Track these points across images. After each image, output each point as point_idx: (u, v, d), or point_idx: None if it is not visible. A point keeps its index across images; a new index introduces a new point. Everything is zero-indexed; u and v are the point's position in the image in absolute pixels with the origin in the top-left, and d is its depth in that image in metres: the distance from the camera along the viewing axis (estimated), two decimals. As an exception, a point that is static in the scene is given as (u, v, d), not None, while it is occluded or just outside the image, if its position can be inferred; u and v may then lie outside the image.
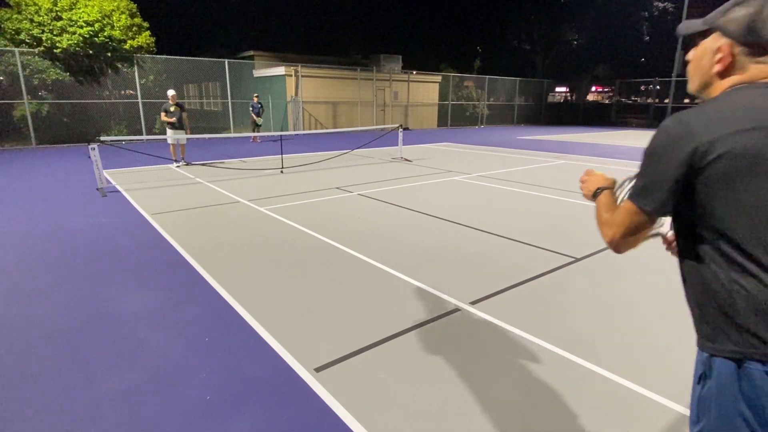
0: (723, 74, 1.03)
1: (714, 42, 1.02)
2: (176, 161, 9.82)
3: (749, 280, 0.93)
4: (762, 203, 0.91)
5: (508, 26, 31.88)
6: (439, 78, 24.08)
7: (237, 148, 13.25)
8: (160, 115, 9.80)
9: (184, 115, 9.72)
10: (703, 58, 1.05)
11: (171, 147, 9.80)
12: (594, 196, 1.26)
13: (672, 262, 3.93)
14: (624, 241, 1.10)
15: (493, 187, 7.56)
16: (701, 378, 1.04)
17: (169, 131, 9.55)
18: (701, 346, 1.04)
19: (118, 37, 13.90)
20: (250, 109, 14.88)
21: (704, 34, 1.05)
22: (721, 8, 1.02)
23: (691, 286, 1.08)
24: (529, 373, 2.44)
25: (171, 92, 9.59)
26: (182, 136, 9.69)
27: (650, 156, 1.02)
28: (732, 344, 0.96)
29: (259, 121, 15.00)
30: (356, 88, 20.80)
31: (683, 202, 1.00)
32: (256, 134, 14.60)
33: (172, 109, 9.45)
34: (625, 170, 9.65)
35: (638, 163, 1.06)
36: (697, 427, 1.06)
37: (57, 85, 13.74)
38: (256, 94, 15.24)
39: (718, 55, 1.01)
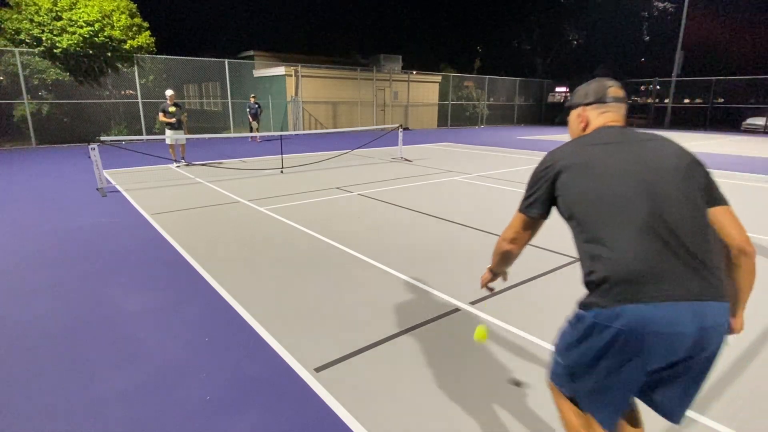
0: (585, 129, 1.55)
1: (575, 112, 1.60)
2: (176, 161, 9.82)
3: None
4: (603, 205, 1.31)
5: (508, 26, 31.90)
6: (439, 78, 24.08)
7: (237, 148, 13.25)
8: (158, 115, 9.76)
9: (183, 115, 9.71)
10: (573, 123, 1.62)
11: (170, 147, 9.80)
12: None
13: (672, 262, 3.82)
14: (516, 248, 1.64)
15: (493, 187, 7.56)
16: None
17: (168, 131, 9.54)
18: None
19: (118, 37, 13.91)
20: (247, 110, 14.65)
21: (570, 109, 1.63)
22: (572, 95, 1.63)
23: None
24: (529, 373, 2.44)
25: (169, 92, 9.54)
26: (181, 136, 9.68)
27: (532, 179, 1.53)
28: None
29: (254, 125, 14.73)
30: (356, 88, 20.80)
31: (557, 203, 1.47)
32: (255, 134, 14.45)
33: (171, 109, 9.42)
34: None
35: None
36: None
37: (57, 85, 13.74)
38: (253, 95, 14.95)
39: (580, 118, 1.58)
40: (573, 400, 1.47)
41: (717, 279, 1.25)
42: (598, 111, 1.52)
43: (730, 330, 1.38)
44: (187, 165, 9.81)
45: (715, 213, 1.35)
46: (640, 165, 1.31)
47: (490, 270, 1.78)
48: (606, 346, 1.24)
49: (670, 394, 1.32)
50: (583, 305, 1.32)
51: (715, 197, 1.36)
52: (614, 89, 1.52)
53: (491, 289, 1.88)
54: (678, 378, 1.29)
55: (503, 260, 1.68)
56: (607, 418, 1.35)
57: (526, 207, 1.54)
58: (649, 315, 1.18)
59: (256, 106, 14.68)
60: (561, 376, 1.46)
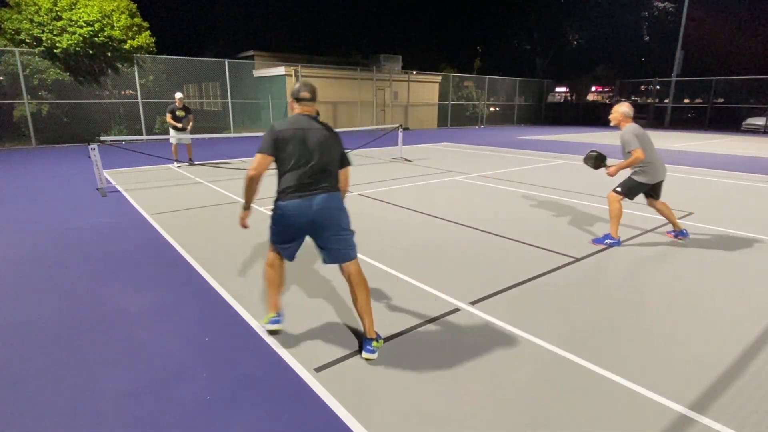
0: (294, 109, 2.64)
1: (290, 102, 2.65)
2: (177, 161, 9.73)
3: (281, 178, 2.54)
4: (287, 155, 2.49)
5: (508, 26, 31.89)
6: (439, 78, 24.08)
7: (237, 148, 13.25)
8: (166, 116, 9.56)
9: (191, 117, 9.60)
10: (289, 107, 2.67)
11: (173, 147, 9.68)
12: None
13: (672, 262, 3.93)
14: (257, 173, 2.51)
15: (493, 187, 7.56)
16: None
17: (172, 131, 9.49)
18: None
19: (118, 37, 13.89)
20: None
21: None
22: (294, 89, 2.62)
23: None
24: (528, 373, 2.44)
25: (179, 95, 9.37)
26: (186, 136, 9.61)
27: (264, 137, 2.51)
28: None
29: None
30: (356, 88, 20.81)
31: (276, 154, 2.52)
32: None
33: (180, 113, 9.34)
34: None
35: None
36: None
37: (57, 85, 13.73)
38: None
39: (291, 106, 2.65)
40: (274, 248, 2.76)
41: (335, 186, 2.63)
42: (298, 104, 2.63)
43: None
44: (192, 164, 9.77)
45: (342, 170, 2.70)
46: (313, 138, 2.53)
47: (245, 208, 2.73)
48: (278, 218, 2.59)
49: (322, 245, 2.62)
50: (276, 201, 2.57)
51: (344, 162, 2.69)
52: (304, 93, 2.61)
53: (246, 226, 2.82)
54: (319, 238, 2.59)
55: (250, 188, 2.58)
56: (288, 256, 2.73)
57: (264, 149, 2.51)
58: (290, 205, 2.50)
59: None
60: (271, 237, 2.73)
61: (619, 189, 4.58)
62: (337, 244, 2.58)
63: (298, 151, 2.49)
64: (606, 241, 4.60)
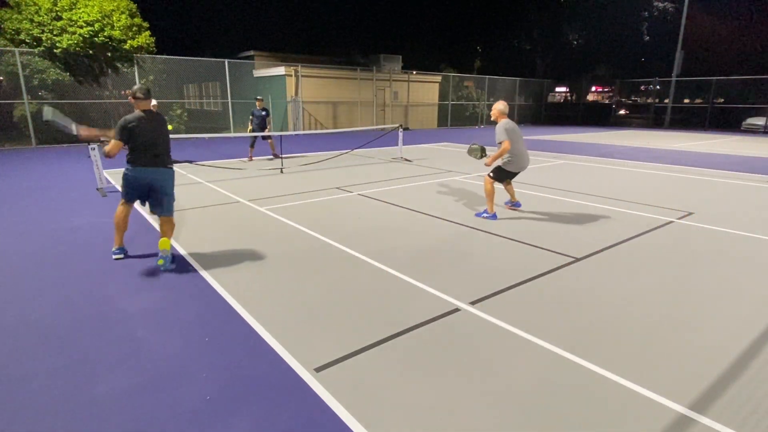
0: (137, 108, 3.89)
1: (131, 99, 3.89)
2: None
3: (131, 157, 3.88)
4: (140, 138, 3.79)
5: (508, 26, 31.88)
6: (439, 78, 24.08)
7: (237, 148, 13.25)
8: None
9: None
10: (134, 104, 3.89)
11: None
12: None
13: (672, 262, 3.92)
14: (112, 154, 3.67)
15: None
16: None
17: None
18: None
19: (118, 37, 13.88)
20: (250, 118, 10.60)
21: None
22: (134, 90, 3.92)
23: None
24: (528, 373, 2.44)
25: (153, 102, 9.33)
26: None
27: (118, 127, 3.73)
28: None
29: (262, 131, 10.32)
30: (356, 88, 20.80)
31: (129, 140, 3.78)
32: (270, 149, 10.98)
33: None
34: (626, 170, 9.65)
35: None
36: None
37: (57, 85, 13.73)
38: (259, 97, 10.74)
39: (135, 103, 3.85)
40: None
41: (167, 161, 3.97)
42: (143, 101, 3.80)
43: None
44: (191, 163, 9.79)
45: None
46: (155, 126, 3.86)
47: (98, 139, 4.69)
48: (130, 180, 3.89)
49: (153, 203, 3.99)
50: (127, 164, 3.83)
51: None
52: (140, 91, 3.77)
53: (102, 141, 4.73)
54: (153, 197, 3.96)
55: (111, 152, 3.68)
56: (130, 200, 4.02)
57: (119, 137, 3.69)
58: (139, 171, 3.85)
59: (264, 113, 10.58)
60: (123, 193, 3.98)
61: (491, 174, 5.61)
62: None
63: (150, 135, 3.90)
64: (483, 215, 5.60)
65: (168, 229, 3.98)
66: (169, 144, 4.00)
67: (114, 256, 4.10)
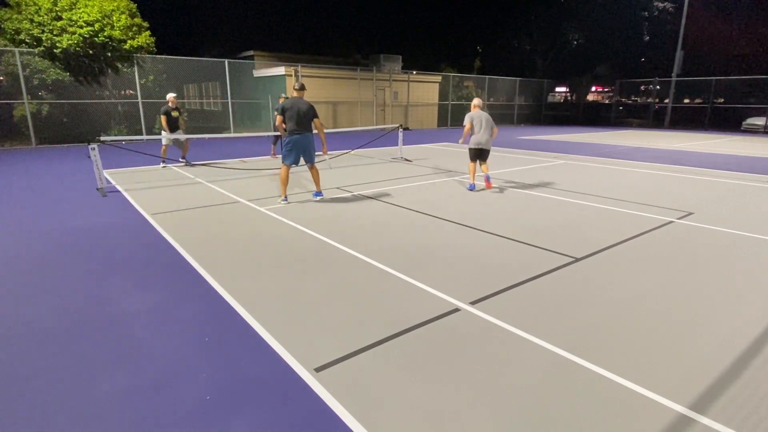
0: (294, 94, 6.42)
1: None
2: (164, 162, 9.64)
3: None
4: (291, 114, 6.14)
5: (508, 26, 31.85)
6: (439, 78, 24.06)
7: (237, 148, 13.25)
8: (161, 118, 9.42)
9: (184, 115, 9.62)
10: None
11: (164, 147, 9.61)
12: None
13: (671, 262, 3.91)
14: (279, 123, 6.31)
15: (493, 187, 7.56)
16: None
17: (164, 132, 9.42)
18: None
19: (118, 37, 13.88)
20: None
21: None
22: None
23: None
24: (528, 373, 2.44)
25: (172, 95, 9.36)
26: (182, 136, 9.55)
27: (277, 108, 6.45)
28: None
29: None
30: (356, 88, 20.80)
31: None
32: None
33: (174, 113, 9.30)
34: (626, 170, 9.65)
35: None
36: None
37: (57, 85, 13.72)
38: (284, 95, 10.74)
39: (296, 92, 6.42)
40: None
41: (310, 129, 6.30)
42: (297, 92, 6.22)
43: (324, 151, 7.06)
44: (187, 165, 9.78)
45: (315, 121, 6.27)
46: (298, 106, 6.08)
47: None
48: (291, 144, 6.17)
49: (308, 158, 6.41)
50: (288, 136, 6.17)
51: (316, 114, 6.25)
52: (296, 84, 6.30)
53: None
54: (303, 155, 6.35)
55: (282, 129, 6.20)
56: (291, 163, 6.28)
57: (282, 113, 6.09)
58: (295, 137, 6.15)
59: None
60: (283, 157, 6.27)
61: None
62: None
63: (296, 113, 6.01)
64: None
65: (315, 172, 6.46)
66: (310, 120, 6.18)
67: (282, 203, 6.25)
